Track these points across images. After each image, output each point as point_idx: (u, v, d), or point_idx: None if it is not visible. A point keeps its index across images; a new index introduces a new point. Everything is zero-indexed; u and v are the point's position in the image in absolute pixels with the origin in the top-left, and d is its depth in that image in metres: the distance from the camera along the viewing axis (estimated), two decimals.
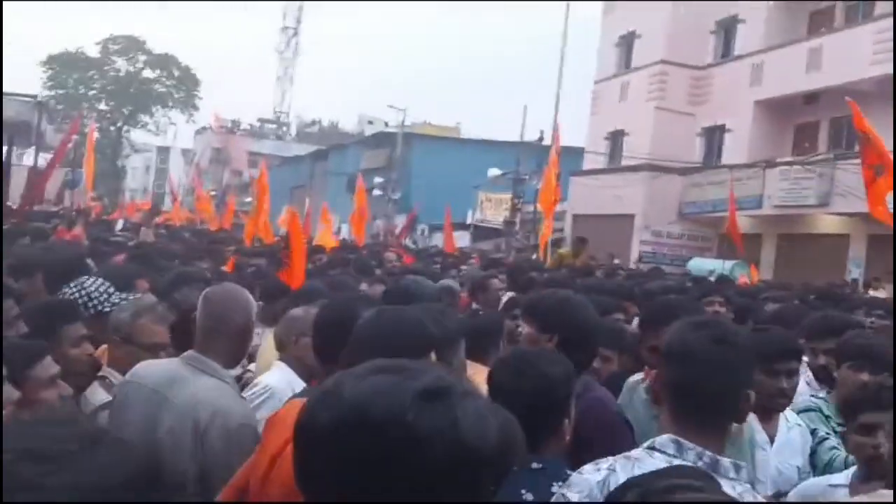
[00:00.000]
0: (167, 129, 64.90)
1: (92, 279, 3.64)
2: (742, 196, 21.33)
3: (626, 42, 28.08)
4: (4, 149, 14.90)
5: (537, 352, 2.47)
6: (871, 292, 15.34)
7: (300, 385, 3.08)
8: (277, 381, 3.26)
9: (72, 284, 3.55)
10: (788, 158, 21.42)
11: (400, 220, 29.04)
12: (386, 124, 48.66)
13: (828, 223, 20.07)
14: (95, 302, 3.47)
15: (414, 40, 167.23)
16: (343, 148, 49.92)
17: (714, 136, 25.07)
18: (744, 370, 1.88)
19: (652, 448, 1.83)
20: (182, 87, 60.11)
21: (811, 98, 21.92)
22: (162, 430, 2.58)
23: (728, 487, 1.60)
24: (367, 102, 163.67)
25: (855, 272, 18.89)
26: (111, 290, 3.58)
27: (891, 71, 18.71)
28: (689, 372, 1.83)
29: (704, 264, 18.65)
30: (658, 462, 1.76)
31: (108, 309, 3.37)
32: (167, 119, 62.26)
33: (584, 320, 2.77)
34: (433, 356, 2.10)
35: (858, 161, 18.52)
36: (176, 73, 59.75)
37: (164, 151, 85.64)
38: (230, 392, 2.68)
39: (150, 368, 2.75)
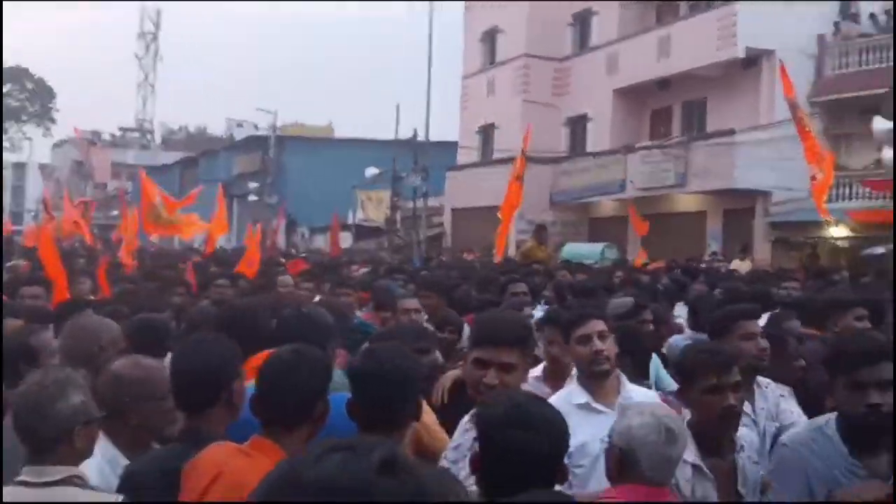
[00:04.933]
0: (22, 144, 61.24)
1: None
2: (606, 181, 22.42)
3: (490, 37, 28.79)
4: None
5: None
6: (737, 262, 16.51)
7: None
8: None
9: None
10: (647, 143, 22.62)
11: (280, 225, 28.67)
12: (256, 127, 47.70)
13: (686, 202, 21.36)
14: None
15: (277, 39, 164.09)
16: (213, 154, 48.60)
17: (578, 126, 26.12)
18: None
19: None
20: (36, 99, 56.89)
21: (664, 84, 23.22)
22: None
23: None
24: (235, 105, 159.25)
25: (714, 246, 20.21)
26: None
27: (736, 55, 20.11)
28: None
29: (577, 249, 19.44)
30: None
31: None
32: (21, 134, 58.78)
33: None
34: None
35: (710, 142, 19.95)
36: (29, 86, 56.51)
37: (19, 168, 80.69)
38: None
39: None
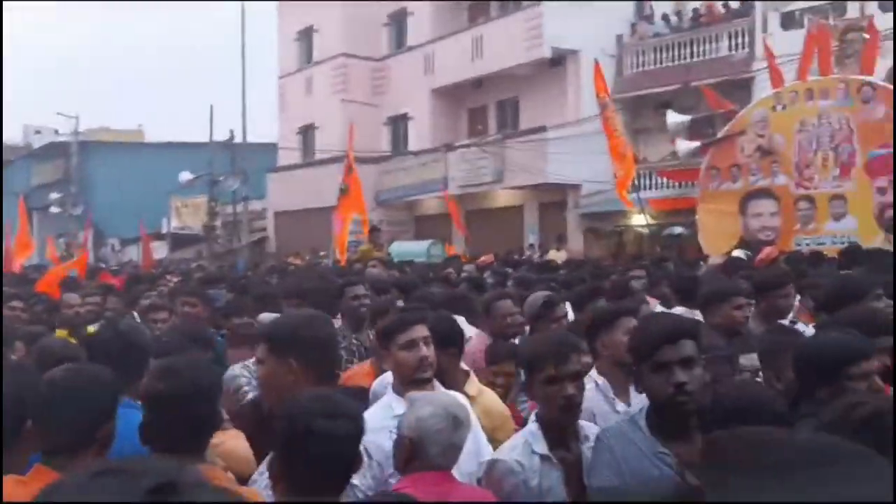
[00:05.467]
0: None
1: None
2: (429, 180, 22.79)
3: (305, 36, 28.39)
4: None
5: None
6: (554, 252, 17.31)
7: None
8: None
9: None
10: (465, 141, 23.19)
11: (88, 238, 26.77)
12: (56, 133, 44.35)
13: (505, 197, 22.11)
14: None
15: (80, 40, 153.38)
16: (7, 164, 44.66)
17: (399, 125, 26.34)
18: None
19: None
20: None
21: (478, 83, 23.89)
22: None
23: None
24: (32, 111, 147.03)
25: (532, 238, 21.09)
26: None
27: (543, 55, 21.01)
28: None
29: (404, 247, 19.58)
30: None
31: None
32: None
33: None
34: None
35: (523, 139, 20.77)
36: None
37: None
38: None
39: None
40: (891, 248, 10.53)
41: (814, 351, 2.72)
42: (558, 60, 21.18)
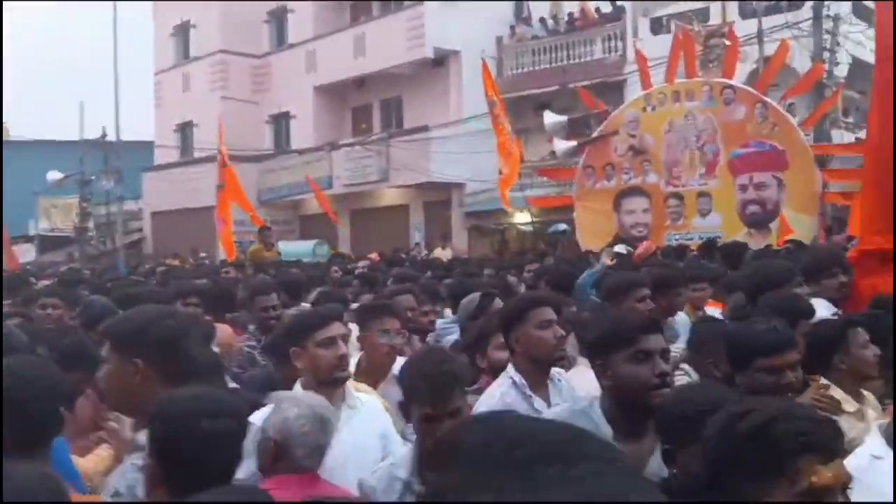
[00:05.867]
0: None
1: None
2: (313, 178, 22.56)
3: (182, 31, 27.52)
4: None
5: None
6: (439, 251, 17.50)
7: None
8: None
9: None
10: (350, 140, 23.08)
11: None
12: None
13: (390, 196, 22.16)
14: None
15: None
16: None
17: (281, 123, 25.93)
18: None
19: None
20: None
21: (361, 82, 23.83)
22: None
23: None
24: None
25: (417, 237, 21.25)
26: None
27: (425, 55, 21.18)
28: None
29: (289, 247, 19.29)
30: None
31: None
32: None
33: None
34: None
35: (407, 139, 20.89)
36: None
37: None
38: None
39: None
40: (750, 242, 11.25)
41: (732, 340, 2.81)
42: (440, 61, 21.41)
